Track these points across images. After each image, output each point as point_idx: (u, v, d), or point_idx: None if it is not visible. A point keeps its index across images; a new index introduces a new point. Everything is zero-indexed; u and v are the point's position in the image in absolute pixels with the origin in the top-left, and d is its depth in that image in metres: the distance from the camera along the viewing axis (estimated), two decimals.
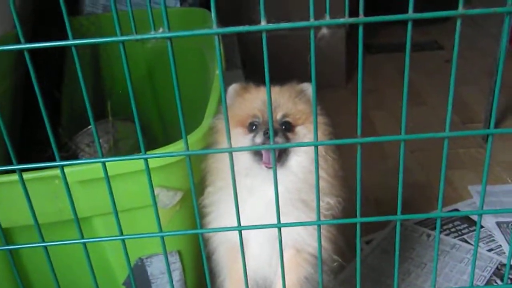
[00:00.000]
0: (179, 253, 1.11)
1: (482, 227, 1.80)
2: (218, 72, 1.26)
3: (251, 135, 1.03)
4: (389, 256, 1.67)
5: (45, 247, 0.77)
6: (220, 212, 1.04)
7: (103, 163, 0.73)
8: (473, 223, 1.80)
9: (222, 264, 1.08)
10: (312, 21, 0.62)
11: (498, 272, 1.63)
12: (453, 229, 1.79)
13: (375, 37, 3.27)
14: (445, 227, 1.81)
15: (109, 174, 0.93)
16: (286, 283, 1.01)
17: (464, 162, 2.10)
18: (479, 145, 2.21)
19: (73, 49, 0.65)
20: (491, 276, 1.62)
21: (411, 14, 0.60)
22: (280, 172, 1.01)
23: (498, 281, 1.60)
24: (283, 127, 1.02)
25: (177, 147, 0.96)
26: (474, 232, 1.77)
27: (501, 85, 2.28)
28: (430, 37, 3.32)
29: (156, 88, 1.94)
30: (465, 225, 1.81)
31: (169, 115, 1.93)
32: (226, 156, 0.94)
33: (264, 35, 0.63)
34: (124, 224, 1.01)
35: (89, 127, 1.62)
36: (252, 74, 2.36)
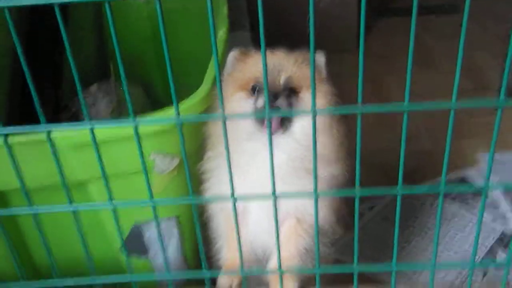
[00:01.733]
0: (177, 218, 1.09)
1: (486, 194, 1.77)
2: (220, 32, 1.22)
3: (253, 98, 1.00)
4: (390, 223, 1.65)
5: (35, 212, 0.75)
6: (219, 178, 1.02)
7: (91, 129, 0.70)
8: (479, 192, 1.77)
9: (220, 231, 1.07)
10: None
11: (501, 241, 1.61)
12: (457, 197, 1.76)
13: (388, 0, 3.17)
14: (449, 194, 1.80)
15: (103, 138, 0.90)
16: (285, 254, 0.99)
17: (475, 129, 2.04)
18: (491, 112, 2.16)
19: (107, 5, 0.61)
20: (492, 246, 1.60)
21: None
22: (283, 138, 0.99)
23: (500, 251, 1.58)
24: (286, 91, 0.99)
25: (170, 112, 0.93)
26: (479, 201, 1.75)
27: None
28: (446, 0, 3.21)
29: (160, 49, 1.89)
30: (470, 194, 1.79)
31: (174, 76, 1.89)
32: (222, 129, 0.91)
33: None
34: (121, 189, 0.99)
35: (89, 88, 1.58)
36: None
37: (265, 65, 0.62)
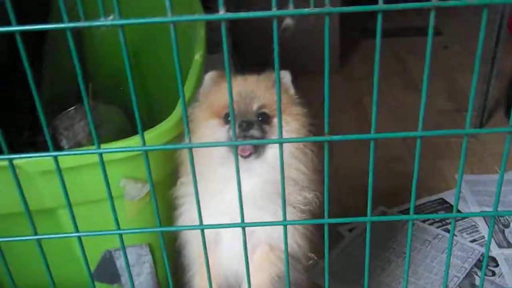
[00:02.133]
0: (150, 245, 1.08)
1: (466, 217, 1.77)
2: (196, 57, 1.21)
3: (227, 126, 1.00)
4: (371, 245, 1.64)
5: None
6: (192, 204, 1.00)
7: (55, 157, 0.68)
8: (457, 212, 1.77)
9: (192, 259, 1.05)
10: (274, 11, 0.57)
11: (479, 263, 1.61)
12: (437, 219, 1.76)
13: (371, 20, 3.19)
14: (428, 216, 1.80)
15: (71, 165, 0.89)
16: (257, 281, 0.98)
17: (454, 151, 2.05)
18: (471, 134, 2.16)
19: (68, 32, 0.61)
20: (472, 268, 1.60)
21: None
22: (257, 163, 0.98)
23: (479, 273, 1.57)
24: (260, 118, 0.99)
25: (137, 140, 0.92)
26: (458, 222, 1.75)
27: (498, 71, 2.21)
28: (428, 22, 3.24)
29: (142, 71, 1.89)
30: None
31: (155, 97, 1.88)
32: (196, 156, 0.90)
33: (223, 24, 0.59)
34: (92, 215, 0.98)
35: (68, 110, 1.57)
36: (244, 56, 2.32)
37: (231, 95, 0.61)
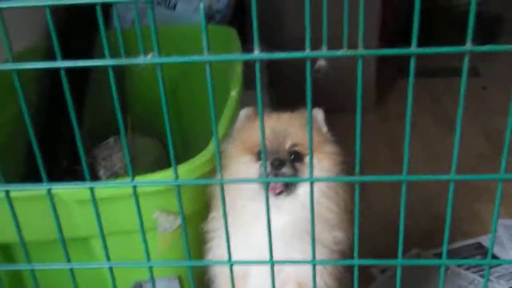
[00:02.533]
0: (180, 278, 1.08)
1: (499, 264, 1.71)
2: (232, 93, 1.24)
3: (259, 163, 1.00)
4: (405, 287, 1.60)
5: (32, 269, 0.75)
6: (221, 239, 1.01)
7: (91, 188, 0.70)
8: (494, 258, 1.71)
9: None
10: (307, 52, 0.58)
11: None
12: (473, 264, 1.70)
13: (407, 60, 3.18)
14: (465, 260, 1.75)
15: (106, 196, 0.91)
16: None
17: (493, 194, 1.99)
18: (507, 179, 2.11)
19: (110, 69, 0.63)
20: None
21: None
22: (288, 201, 0.98)
23: None
24: (292, 156, 0.99)
25: (170, 173, 0.93)
26: (494, 268, 1.69)
27: None
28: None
29: (179, 105, 1.93)
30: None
31: (191, 131, 1.92)
32: (230, 191, 0.91)
33: (257, 64, 0.61)
34: (124, 246, 0.99)
35: (107, 141, 1.61)
36: (280, 93, 2.34)
37: (263, 134, 0.62)
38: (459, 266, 1.70)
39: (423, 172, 0.67)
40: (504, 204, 1.96)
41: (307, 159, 0.99)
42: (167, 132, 0.67)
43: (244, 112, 1.07)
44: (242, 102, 1.31)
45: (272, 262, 0.71)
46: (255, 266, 1.00)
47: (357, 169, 0.65)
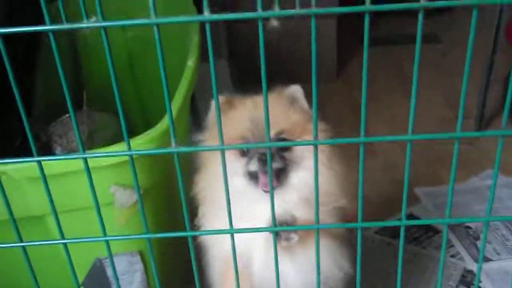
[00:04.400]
0: (141, 253, 1.06)
1: (438, 231, 1.72)
2: (189, 63, 1.20)
3: (244, 159, 0.94)
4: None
5: None
6: (211, 223, 0.97)
7: (39, 162, 0.67)
8: (430, 229, 1.73)
9: (216, 279, 1.03)
10: (259, 12, 0.56)
11: (463, 279, 1.56)
12: (410, 237, 1.71)
13: (369, 29, 3.19)
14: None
15: (58, 171, 0.88)
16: None
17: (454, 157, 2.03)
18: (470, 141, 2.16)
19: (51, 35, 0.59)
20: (457, 285, 1.55)
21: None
22: (280, 193, 0.94)
23: None
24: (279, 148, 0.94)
25: (124, 146, 0.90)
26: (432, 239, 1.70)
27: (496, 78, 2.18)
28: (427, 29, 3.24)
29: (137, 77, 1.88)
30: (422, 232, 1.74)
31: (150, 103, 1.87)
32: (215, 184, 0.86)
33: (207, 26, 0.58)
34: (82, 223, 0.96)
35: (62, 117, 1.56)
36: (240, 67, 2.31)
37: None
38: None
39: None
40: (466, 168, 2.00)
41: (295, 147, 0.95)
42: (116, 99, 0.64)
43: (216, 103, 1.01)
44: (201, 75, 1.28)
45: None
46: (257, 255, 0.97)
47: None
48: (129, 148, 0.65)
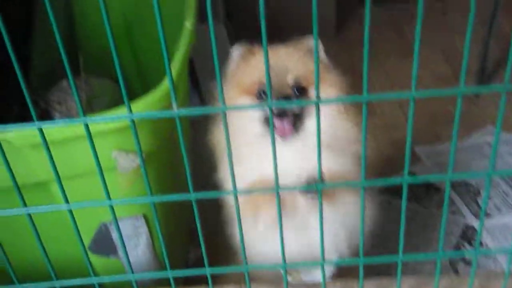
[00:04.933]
0: (145, 217, 1.07)
1: (439, 189, 1.74)
2: (187, 24, 1.19)
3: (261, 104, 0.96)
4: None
5: None
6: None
7: (39, 129, 0.67)
8: (430, 187, 1.74)
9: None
10: None
11: (464, 235, 1.58)
12: (411, 196, 1.73)
13: None
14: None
15: (60, 137, 0.88)
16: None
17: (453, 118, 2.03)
18: (470, 100, 2.15)
19: None
20: (458, 240, 1.57)
21: None
22: (297, 139, 0.96)
23: (466, 245, 1.56)
24: (296, 90, 0.96)
25: (124, 110, 0.90)
26: (433, 198, 1.72)
27: (496, 35, 2.16)
28: None
29: (134, 41, 1.85)
30: (423, 190, 1.75)
31: (148, 67, 1.85)
32: (231, 132, 0.87)
33: None
34: (84, 188, 0.97)
35: (60, 82, 1.54)
36: (238, 28, 2.28)
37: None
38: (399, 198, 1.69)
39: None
40: (466, 127, 2.00)
41: (312, 92, 0.96)
42: (116, 63, 0.63)
43: (237, 51, 1.01)
44: (199, 36, 1.27)
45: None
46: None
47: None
48: (130, 112, 0.64)
